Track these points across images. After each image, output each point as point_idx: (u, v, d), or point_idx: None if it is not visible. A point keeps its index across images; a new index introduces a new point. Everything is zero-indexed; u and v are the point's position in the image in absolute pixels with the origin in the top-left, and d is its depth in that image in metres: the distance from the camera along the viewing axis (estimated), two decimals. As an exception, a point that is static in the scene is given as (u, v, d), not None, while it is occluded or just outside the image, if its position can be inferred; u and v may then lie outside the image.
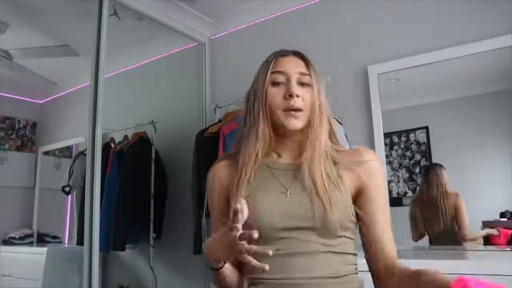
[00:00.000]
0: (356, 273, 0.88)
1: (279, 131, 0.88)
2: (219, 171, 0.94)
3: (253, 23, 2.53)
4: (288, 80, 0.87)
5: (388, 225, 0.88)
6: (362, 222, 0.87)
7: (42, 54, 2.56)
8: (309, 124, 0.88)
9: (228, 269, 0.83)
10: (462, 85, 1.94)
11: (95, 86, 1.92)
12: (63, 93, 3.24)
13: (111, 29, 1.99)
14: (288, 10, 2.38)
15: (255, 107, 0.89)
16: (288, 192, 0.85)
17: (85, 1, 2.11)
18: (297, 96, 0.86)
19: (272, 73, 0.89)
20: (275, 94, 0.87)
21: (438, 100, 1.97)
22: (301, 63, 0.91)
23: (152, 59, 2.82)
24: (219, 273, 0.81)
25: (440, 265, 1.42)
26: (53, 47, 2.53)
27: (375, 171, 0.89)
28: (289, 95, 0.86)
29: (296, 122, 0.86)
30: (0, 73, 2.78)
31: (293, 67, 0.89)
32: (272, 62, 0.90)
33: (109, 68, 2.10)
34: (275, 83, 0.88)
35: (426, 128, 1.98)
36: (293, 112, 0.86)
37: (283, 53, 0.92)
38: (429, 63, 1.86)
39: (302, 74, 0.89)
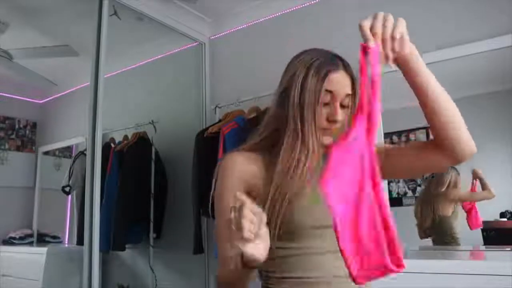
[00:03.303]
0: None
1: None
2: (244, 161, 0.88)
3: (253, 23, 2.53)
4: (334, 101, 0.85)
5: None
6: (405, 157, 0.94)
7: (42, 54, 2.56)
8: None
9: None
10: (462, 85, 1.94)
11: (95, 86, 1.92)
12: (63, 93, 3.23)
13: (111, 29, 1.99)
14: (288, 10, 2.38)
15: (304, 120, 0.85)
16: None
17: (85, 1, 2.11)
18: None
19: (324, 91, 0.85)
20: (321, 115, 0.85)
21: (438, 100, 1.96)
22: (348, 82, 0.88)
23: (152, 59, 2.82)
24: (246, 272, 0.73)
25: (441, 265, 1.42)
26: (53, 47, 2.53)
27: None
28: (333, 120, 0.85)
29: (330, 139, 0.87)
30: (0, 73, 2.77)
31: (341, 88, 0.86)
32: (326, 79, 0.85)
33: (109, 68, 2.10)
34: (323, 103, 0.85)
35: (426, 128, 1.98)
36: (329, 130, 0.87)
37: (334, 68, 0.86)
38: (429, 63, 1.84)
39: (347, 95, 0.87)
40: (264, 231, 0.65)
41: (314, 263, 0.83)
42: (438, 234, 1.88)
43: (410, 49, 0.77)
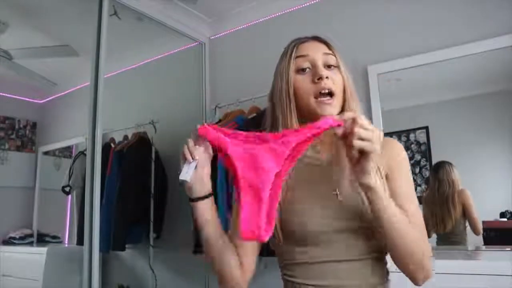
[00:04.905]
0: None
1: (311, 120, 0.77)
2: None
3: (253, 23, 2.53)
4: (314, 64, 0.83)
5: (411, 200, 0.82)
6: None
7: (42, 54, 2.56)
8: (343, 112, 0.83)
9: (207, 209, 0.81)
10: (462, 85, 1.94)
11: (95, 86, 1.92)
12: (63, 93, 3.23)
13: (111, 29, 1.99)
14: (288, 10, 2.38)
15: (282, 100, 0.84)
16: (338, 192, 0.81)
17: (85, 1, 2.11)
18: (327, 77, 0.81)
19: (295, 58, 0.84)
20: (303, 81, 0.83)
21: (438, 100, 1.97)
22: (322, 45, 0.87)
23: (152, 59, 2.82)
24: (195, 206, 0.80)
25: (442, 265, 1.42)
26: (53, 47, 2.53)
27: (402, 159, 0.86)
28: (318, 78, 0.81)
29: (331, 109, 0.81)
30: (0, 73, 2.77)
31: (316, 50, 0.85)
32: (294, 49, 0.86)
33: (109, 68, 2.10)
34: (300, 70, 0.84)
35: (426, 128, 1.98)
36: (326, 99, 0.81)
37: (303, 40, 0.88)
38: (429, 63, 1.86)
39: (326, 54, 0.85)
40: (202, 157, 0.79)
41: (322, 271, 0.80)
42: (450, 235, 1.87)
43: (369, 183, 0.71)
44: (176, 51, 2.76)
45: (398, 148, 0.87)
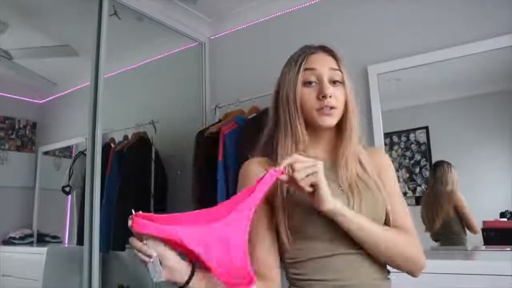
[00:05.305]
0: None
1: (311, 129, 0.89)
2: (256, 168, 0.88)
3: (253, 23, 2.53)
4: (320, 79, 0.86)
5: (399, 195, 0.93)
6: None
7: (42, 54, 2.56)
8: (342, 123, 0.89)
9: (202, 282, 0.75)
10: (462, 85, 1.94)
11: (95, 86, 1.92)
12: (63, 93, 3.23)
13: (111, 29, 1.99)
14: (288, 10, 2.38)
15: (289, 108, 0.87)
16: (341, 188, 0.85)
17: (85, 1, 2.11)
18: (330, 96, 0.85)
19: (303, 71, 0.87)
20: (308, 95, 0.86)
21: (438, 100, 1.97)
22: (330, 59, 0.90)
23: (152, 59, 2.82)
24: None
25: (442, 265, 1.42)
26: (53, 47, 2.53)
27: (388, 165, 0.95)
28: (323, 96, 0.85)
29: (330, 120, 0.86)
30: (0, 73, 2.77)
31: (323, 65, 0.88)
32: (304, 60, 0.88)
33: (109, 68, 2.10)
34: (306, 83, 0.87)
35: (426, 128, 1.98)
36: (327, 110, 0.85)
37: (312, 51, 0.90)
38: (429, 63, 1.86)
39: (332, 69, 0.88)
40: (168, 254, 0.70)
41: (326, 266, 0.82)
42: (446, 235, 1.87)
43: (332, 207, 0.76)
44: (176, 51, 2.76)
45: (380, 153, 0.99)
